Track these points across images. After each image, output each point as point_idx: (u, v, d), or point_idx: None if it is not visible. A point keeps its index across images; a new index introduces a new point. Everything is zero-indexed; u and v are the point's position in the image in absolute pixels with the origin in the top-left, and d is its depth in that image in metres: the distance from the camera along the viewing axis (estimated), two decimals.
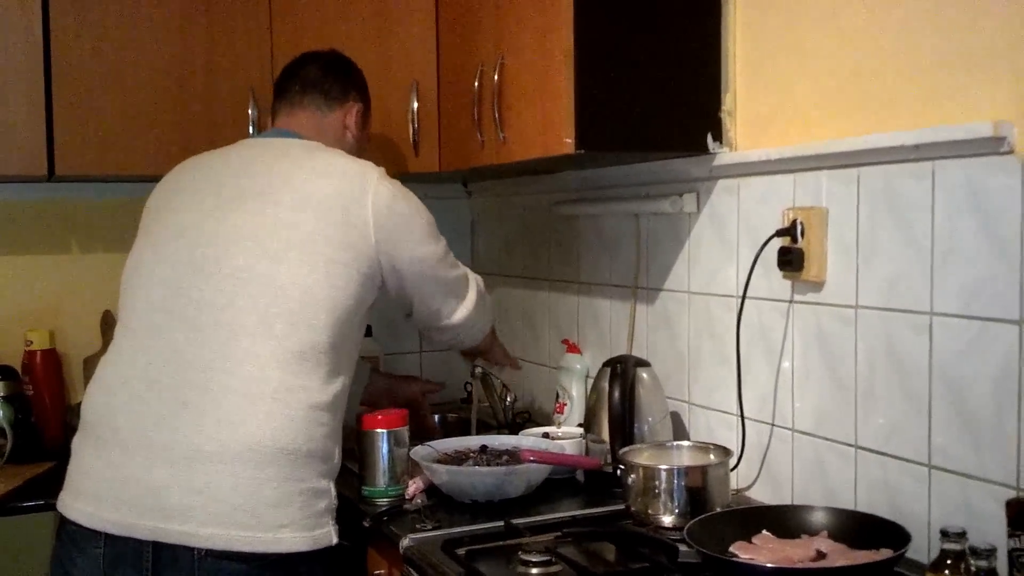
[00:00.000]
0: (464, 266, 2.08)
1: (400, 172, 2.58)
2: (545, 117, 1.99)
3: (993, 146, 1.46)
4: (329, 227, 1.80)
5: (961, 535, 1.31)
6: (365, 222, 1.82)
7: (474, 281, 2.10)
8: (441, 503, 1.97)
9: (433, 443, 2.17)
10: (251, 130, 2.58)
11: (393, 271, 1.89)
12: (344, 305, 1.80)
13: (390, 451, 2.02)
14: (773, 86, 1.92)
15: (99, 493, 1.70)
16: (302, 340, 1.74)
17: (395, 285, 1.92)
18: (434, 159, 2.54)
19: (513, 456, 2.08)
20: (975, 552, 1.27)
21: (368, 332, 2.95)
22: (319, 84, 2.09)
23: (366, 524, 1.91)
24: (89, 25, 2.44)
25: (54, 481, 1.85)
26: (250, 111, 2.58)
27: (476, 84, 2.23)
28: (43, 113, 2.40)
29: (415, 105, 2.52)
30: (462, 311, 2.06)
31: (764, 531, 1.61)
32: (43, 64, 2.40)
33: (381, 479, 2.01)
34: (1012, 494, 1.42)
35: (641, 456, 1.89)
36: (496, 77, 2.14)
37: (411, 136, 2.53)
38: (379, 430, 2.02)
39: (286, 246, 1.77)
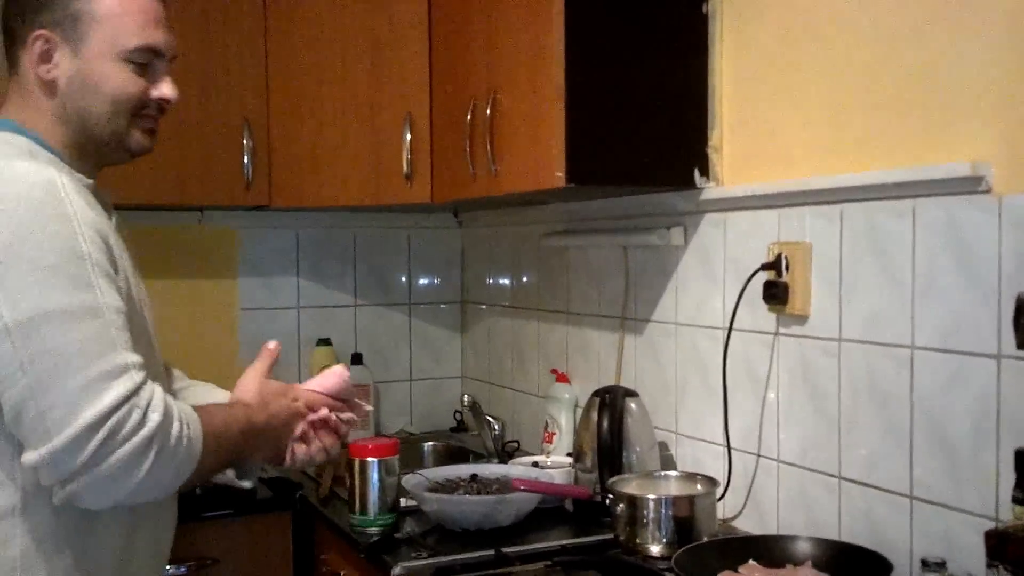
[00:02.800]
0: (130, 358, 1.26)
1: (392, 202, 2.62)
2: (536, 151, 2.02)
3: (971, 185, 1.50)
4: None
5: (941, 565, 1.35)
6: None
7: (112, 400, 1.22)
8: (432, 531, 1.99)
9: (424, 472, 2.20)
10: (245, 159, 2.62)
11: None
12: None
13: (380, 480, 2.04)
14: (758, 123, 1.96)
15: None
16: None
17: None
18: (426, 190, 2.57)
19: (503, 485, 2.10)
20: None
21: (358, 360, 3.01)
22: (6, 31, 1.46)
23: (361, 555, 1.93)
24: None
25: None
26: (244, 140, 2.62)
27: (469, 117, 2.26)
28: None
29: (408, 136, 2.56)
30: (51, 446, 1.20)
31: (750, 561, 1.64)
32: None
33: (372, 508, 2.03)
34: (991, 525, 1.45)
35: (629, 486, 1.92)
36: (488, 111, 2.17)
37: (404, 166, 2.56)
38: (369, 459, 2.04)
39: None
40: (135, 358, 1.27)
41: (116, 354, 1.25)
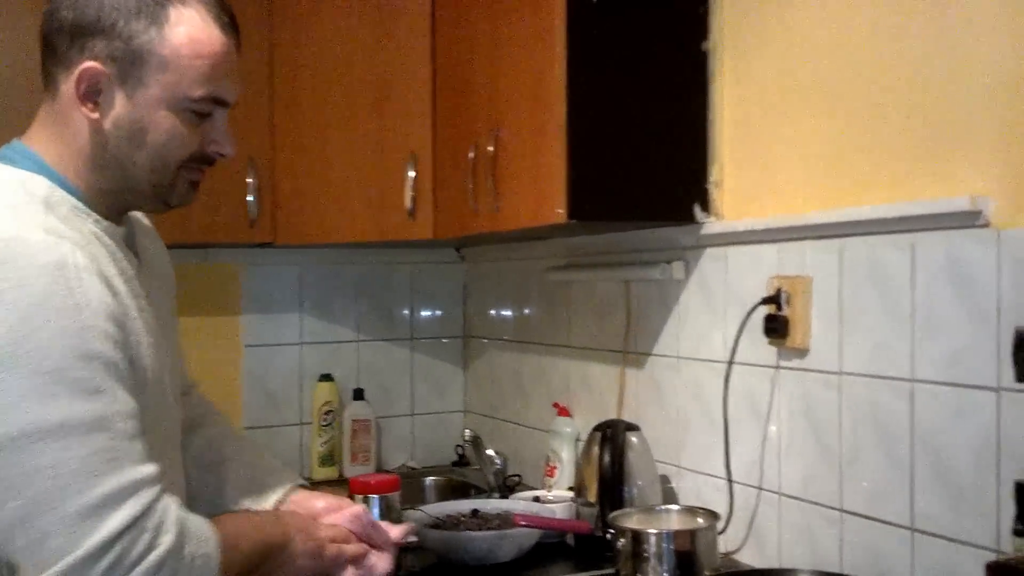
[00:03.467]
0: (142, 473, 1.15)
1: (396, 239, 2.64)
2: (538, 187, 2.04)
3: (970, 219, 1.52)
4: None
5: None
6: None
7: (120, 521, 1.11)
8: (434, 567, 1.99)
9: (425, 507, 2.19)
10: (249, 197, 2.65)
11: None
12: None
13: (382, 516, 2.02)
14: (758, 158, 1.99)
15: None
16: None
17: None
18: (429, 226, 2.59)
19: (505, 520, 2.10)
20: None
21: (360, 395, 3.01)
22: (45, 43, 1.28)
23: None
24: None
25: None
26: (249, 178, 2.64)
27: (471, 154, 2.29)
28: None
29: (411, 173, 2.58)
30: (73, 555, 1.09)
31: None
32: None
33: None
34: (993, 557, 1.45)
35: (631, 520, 1.91)
36: (491, 148, 2.20)
37: (407, 203, 2.58)
38: (371, 496, 2.03)
39: None
40: (148, 470, 1.15)
41: (124, 471, 1.12)
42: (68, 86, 1.25)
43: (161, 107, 1.27)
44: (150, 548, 1.12)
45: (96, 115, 1.26)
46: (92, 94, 1.25)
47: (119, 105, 1.26)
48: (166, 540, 1.14)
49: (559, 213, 1.96)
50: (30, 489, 1.08)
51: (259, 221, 2.68)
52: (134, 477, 1.13)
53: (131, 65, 1.25)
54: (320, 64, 2.68)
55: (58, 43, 1.26)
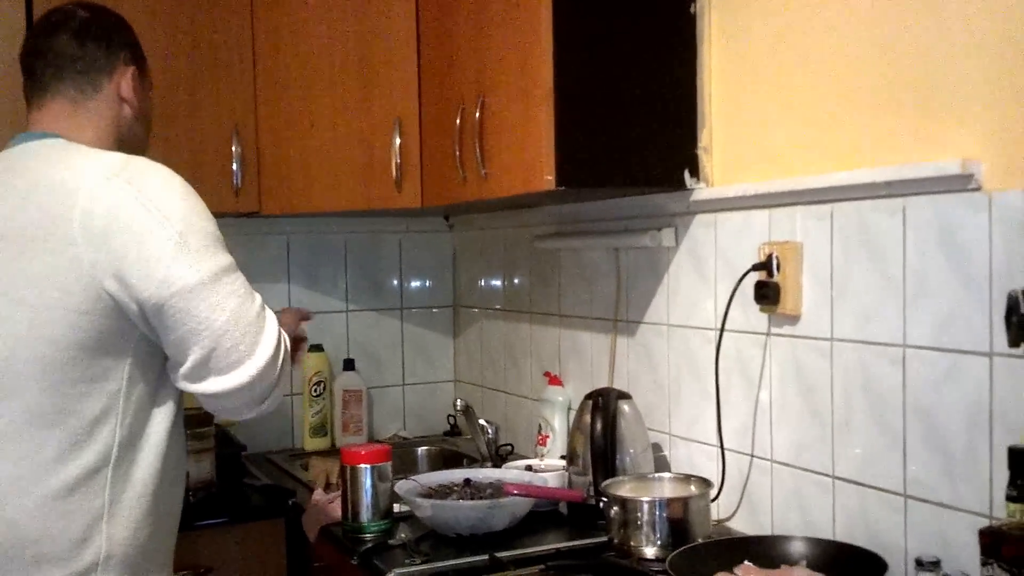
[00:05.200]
0: (260, 297, 1.59)
1: (383, 207, 2.62)
2: (526, 154, 2.02)
3: (961, 183, 1.50)
4: (28, 259, 1.45)
5: (935, 564, 1.35)
6: (72, 242, 1.44)
7: (274, 323, 1.58)
8: (426, 537, 1.99)
9: (417, 477, 2.19)
10: (234, 166, 2.61)
11: (135, 302, 1.46)
12: (62, 358, 1.45)
13: (373, 486, 2.03)
14: (748, 124, 1.96)
15: None
16: (12, 416, 1.45)
17: (149, 323, 1.50)
18: (416, 194, 2.57)
19: (497, 489, 2.10)
20: None
21: (351, 366, 3.00)
22: (77, 58, 1.63)
23: (354, 561, 1.92)
24: None
25: None
26: (234, 147, 2.61)
27: (458, 121, 2.26)
28: None
29: (397, 141, 2.55)
30: (252, 365, 1.52)
31: (745, 562, 1.63)
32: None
33: (365, 514, 2.03)
34: (985, 523, 1.45)
35: (623, 488, 1.92)
36: (477, 115, 2.17)
37: (393, 171, 2.56)
38: (362, 465, 2.03)
39: None
40: None
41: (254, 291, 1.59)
42: (109, 80, 1.66)
43: (149, 95, 1.75)
44: (281, 334, 1.58)
45: (128, 103, 1.68)
46: (128, 85, 1.68)
47: (141, 98, 1.71)
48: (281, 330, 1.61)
49: (548, 180, 1.94)
50: (227, 307, 1.49)
51: (244, 190, 2.65)
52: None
53: (144, 67, 1.73)
54: (303, 31, 2.63)
55: (89, 56, 1.64)
